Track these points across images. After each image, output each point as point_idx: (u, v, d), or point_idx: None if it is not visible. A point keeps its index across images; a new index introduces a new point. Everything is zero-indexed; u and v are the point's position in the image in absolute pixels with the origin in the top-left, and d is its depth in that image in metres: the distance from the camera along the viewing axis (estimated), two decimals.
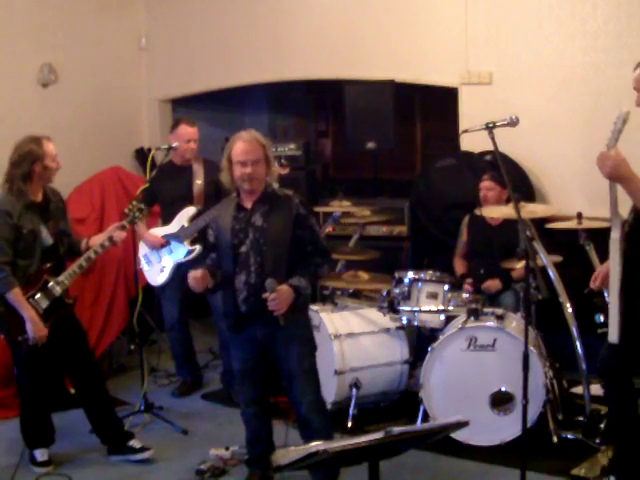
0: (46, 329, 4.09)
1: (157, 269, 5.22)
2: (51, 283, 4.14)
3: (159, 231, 5.19)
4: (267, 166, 3.73)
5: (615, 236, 3.34)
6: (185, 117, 5.42)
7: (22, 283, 4.08)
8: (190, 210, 5.08)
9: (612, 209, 3.32)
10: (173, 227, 5.13)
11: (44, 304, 4.12)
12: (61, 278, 4.16)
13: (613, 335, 3.40)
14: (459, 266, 5.26)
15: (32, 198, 4.15)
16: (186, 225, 5.06)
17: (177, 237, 5.07)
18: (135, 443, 4.40)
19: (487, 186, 5.02)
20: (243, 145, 3.68)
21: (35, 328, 4.05)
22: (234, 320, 3.78)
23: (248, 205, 3.76)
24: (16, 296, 4.03)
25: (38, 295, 4.11)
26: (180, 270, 5.08)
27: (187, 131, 5.16)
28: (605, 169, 3.23)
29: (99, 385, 4.42)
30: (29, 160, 4.09)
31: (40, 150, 4.09)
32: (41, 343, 4.08)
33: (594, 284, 3.58)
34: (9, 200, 4.09)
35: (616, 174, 3.23)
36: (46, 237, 4.17)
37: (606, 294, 3.51)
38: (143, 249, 5.26)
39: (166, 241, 5.11)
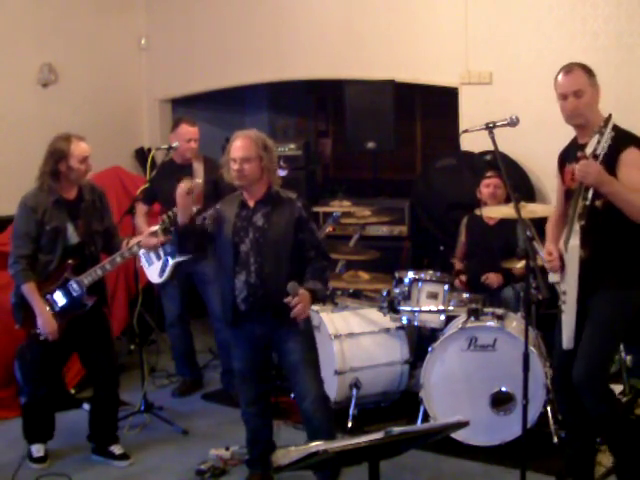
0: (56, 325, 4.09)
1: (157, 267, 5.25)
2: (71, 282, 4.14)
3: None
4: (262, 166, 3.72)
5: (575, 243, 3.37)
6: (186, 117, 5.42)
7: (42, 278, 4.10)
8: None
9: (574, 216, 3.35)
10: None
11: (61, 302, 4.14)
12: (81, 277, 4.15)
13: (569, 342, 3.45)
14: (457, 266, 5.26)
15: (63, 195, 4.16)
16: None
17: None
18: (116, 449, 4.38)
19: (496, 184, 5.00)
20: (237, 142, 3.73)
21: (45, 324, 4.06)
22: (231, 316, 3.78)
23: (251, 204, 3.77)
24: (30, 290, 4.05)
25: (56, 292, 4.13)
26: (180, 269, 5.14)
27: (187, 130, 5.16)
28: (590, 178, 3.25)
29: (114, 387, 4.40)
30: (54, 158, 4.11)
31: (66, 149, 4.09)
32: (52, 339, 4.09)
33: (551, 262, 3.51)
34: (36, 196, 4.11)
35: (600, 180, 3.25)
36: (71, 235, 4.16)
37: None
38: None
39: (165, 240, 5.12)
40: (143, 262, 5.28)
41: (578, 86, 3.42)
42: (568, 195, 3.57)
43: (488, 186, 5.03)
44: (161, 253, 5.21)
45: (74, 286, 4.14)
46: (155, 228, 4.28)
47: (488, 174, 5.07)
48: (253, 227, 3.72)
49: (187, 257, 5.07)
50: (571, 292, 3.41)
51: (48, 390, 4.33)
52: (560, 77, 3.49)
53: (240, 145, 3.71)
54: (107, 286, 4.44)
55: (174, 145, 5.08)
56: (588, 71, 3.47)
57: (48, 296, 4.12)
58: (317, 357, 3.85)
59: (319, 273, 3.73)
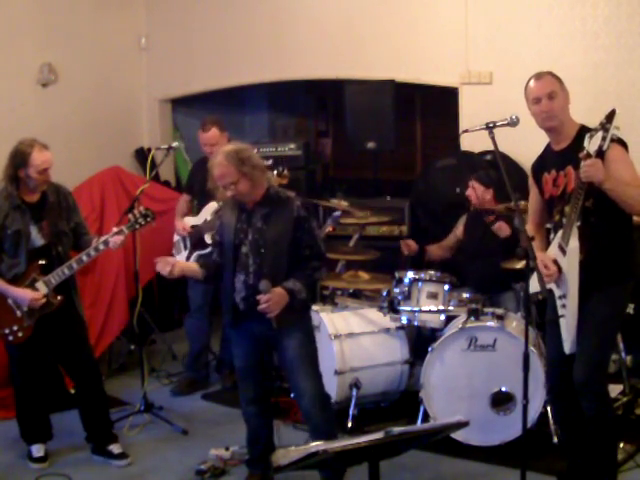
0: (30, 293, 4.10)
1: (183, 256, 5.39)
2: (39, 282, 4.14)
3: (190, 220, 5.37)
4: (250, 179, 3.68)
5: (575, 244, 3.38)
6: (203, 121, 5.39)
7: (9, 280, 4.14)
8: (213, 205, 5.20)
9: (574, 217, 3.36)
10: (199, 219, 5.31)
11: None
12: (49, 277, 4.15)
13: (572, 346, 3.46)
14: (434, 248, 5.26)
15: (25, 198, 4.17)
16: (209, 219, 5.16)
17: (200, 229, 5.21)
18: (115, 448, 4.38)
19: (471, 185, 5.02)
20: (216, 170, 3.70)
21: (22, 296, 4.09)
22: (232, 316, 3.81)
23: (250, 206, 3.78)
24: None
25: None
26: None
27: (201, 136, 5.26)
28: (599, 176, 3.27)
29: (95, 383, 4.41)
30: (14, 164, 4.11)
31: (27, 157, 4.07)
32: (37, 305, 4.10)
33: (551, 276, 3.49)
34: None
35: (606, 176, 3.28)
36: (35, 238, 4.17)
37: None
38: (176, 235, 5.47)
39: (190, 230, 5.26)
40: (174, 250, 5.46)
41: (551, 88, 3.48)
42: (550, 203, 3.60)
43: (467, 188, 5.06)
44: (188, 243, 5.35)
45: (41, 286, 4.14)
46: (122, 227, 4.24)
47: (473, 177, 5.06)
48: (252, 229, 3.73)
49: (208, 251, 5.17)
50: (572, 295, 3.41)
51: (37, 392, 4.34)
52: (531, 83, 3.54)
53: (222, 173, 3.67)
54: (77, 283, 4.43)
55: (174, 145, 5.15)
56: (557, 77, 3.54)
57: None
58: (316, 355, 3.85)
59: (304, 273, 3.73)
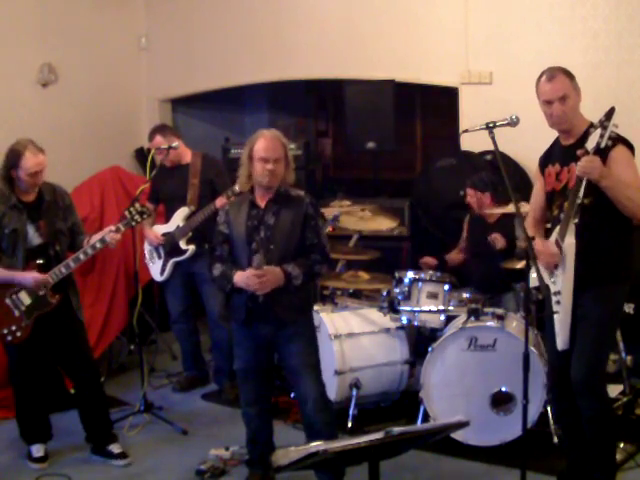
0: (37, 274, 4.10)
1: (158, 265, 5.33)
2: None
3: (160, 229, 5.26)
4: (286, 166, 3.77)
5: (571, 240, 3.37)
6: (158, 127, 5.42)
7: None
8: (184, 210, 5.15)
9: (571, 214, 3.36)
10: (170, 226, 5.22)
11: (27, 301, 4.14)
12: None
13: (565, 343, 3.46)
14: (454, 255, 5.27)
15: (21, 198, 4.17)
16: (181, 225, 5.13)
17: (173, 236, 5.14)
18: (114, 448, 4.38)
19: (468, 193, 5.04)
20: (266, 142, 3.72)
21: (25, 279, 4.08)
22: (244, 313, 3.78)
23: (262, 204, 3.78)
24: None
25: (21, 292, 4.14)
26: (180, 268, 5.24)
27: (151, 146, 5.21)
28: (596, 172, 3.28)
29: (95, 383, 4.41)
30: (8, 164, 4.11)
31: (19, 159, 4.07)
32: (41, 283, 4.09)
33: (548, 257, 3.49)
34: None
35: (605, 174, 3.29)
36: (32, 237, 4.17)
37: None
38: (147, 245, 5.39)
39: (164, 239, 5.18)
40: (147, 260, 5.40)
41: (563, 92, 3.45)
42: (550, 197, 3.60)
43: (465, 196, 5.08)
44: (161, 252, 5.26)
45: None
46: (119, 225, 4.24)
47: (467, 184, 5.08)
48: (264, 226, 3.74)
49: (185, 257, 5.13)
50: (566, 292, 3.41)
51: (36, 392, 4.34)
52: (544, 84, 3.50)
53: (271, 146, 3.71)
54: (77, 284, 4.43)
55: (174, 145, 5.10)
56: (569, 75, 3.50)
57: (14, 296, 4.14)
58: (319, 360, 3.85)
59: (305, 262, 3.73)
